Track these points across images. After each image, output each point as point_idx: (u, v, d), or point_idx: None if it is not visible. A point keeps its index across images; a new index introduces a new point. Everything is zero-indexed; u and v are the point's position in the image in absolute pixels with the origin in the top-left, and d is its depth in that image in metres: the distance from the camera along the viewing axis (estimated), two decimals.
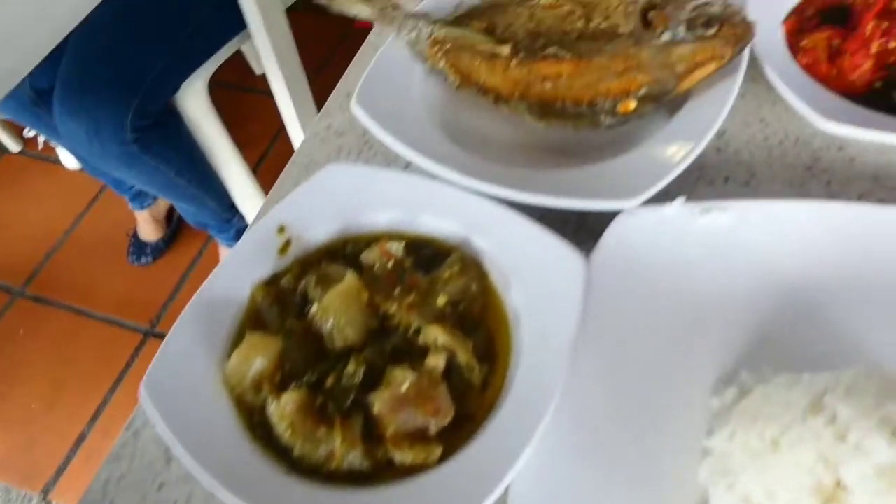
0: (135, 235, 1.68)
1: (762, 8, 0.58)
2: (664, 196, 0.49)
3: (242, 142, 1.41)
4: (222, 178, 1.41)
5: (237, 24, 1.22)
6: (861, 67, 0.54)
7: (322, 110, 0.64)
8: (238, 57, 1.38)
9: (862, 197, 0.51)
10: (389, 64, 0.60)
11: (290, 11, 1.40)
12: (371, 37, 0.68)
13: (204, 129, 1.32)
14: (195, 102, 1.28)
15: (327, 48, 1.98)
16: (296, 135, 1.41)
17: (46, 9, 0.74)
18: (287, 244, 0.51)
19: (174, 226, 1.70)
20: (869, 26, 0.55)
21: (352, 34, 1.85)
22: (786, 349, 0.45)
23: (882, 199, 0.51)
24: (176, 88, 1.24)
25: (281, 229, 0.52)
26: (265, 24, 1.19)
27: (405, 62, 0.61)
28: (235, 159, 1.40)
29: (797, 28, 0.57)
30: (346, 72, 0.67)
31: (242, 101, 1.91)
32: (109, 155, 1.20)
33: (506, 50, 0.57)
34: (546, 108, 0.56)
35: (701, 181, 0.54)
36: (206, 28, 1.23)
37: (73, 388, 1.51)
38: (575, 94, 0.56)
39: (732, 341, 0.46)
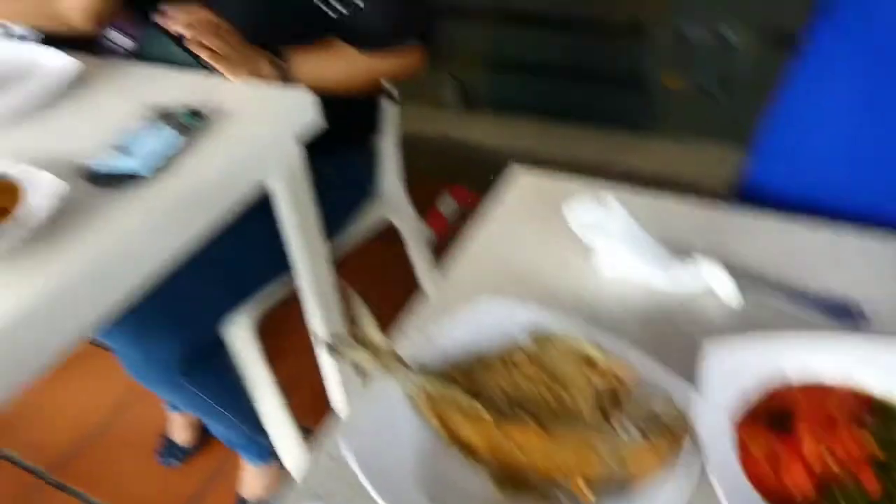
0: (167, 436, 1.76)
1: (716, 403, 0.65)
2: None
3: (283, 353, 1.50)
4: (256, 408, 1.50)
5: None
6: (799, 481, 0.59)
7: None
8: None
9: None
10: (381, 399, 0.69)
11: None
12: None
13: (245, 362, 1.43)
14: (240, 335, 1.41)
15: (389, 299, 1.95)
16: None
17: None
18: None
19: (204, 430, 1.78)
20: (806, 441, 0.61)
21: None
22: None
23: None
24: (223, 322, 1.36)
25: None
26: (313, 279, 1.31)
27: (398, 402, 0.69)
28: (272, 393, 1.49)
29: (748, 430, 0.64)
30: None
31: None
32: (153, 381, 1.31)
33: (487, 415, 0.65)
34: (512, 477, 0.63)
35: None
36: (256, 269, 1.37)
37: None
38: (538, 464, 0.63)
39: None
